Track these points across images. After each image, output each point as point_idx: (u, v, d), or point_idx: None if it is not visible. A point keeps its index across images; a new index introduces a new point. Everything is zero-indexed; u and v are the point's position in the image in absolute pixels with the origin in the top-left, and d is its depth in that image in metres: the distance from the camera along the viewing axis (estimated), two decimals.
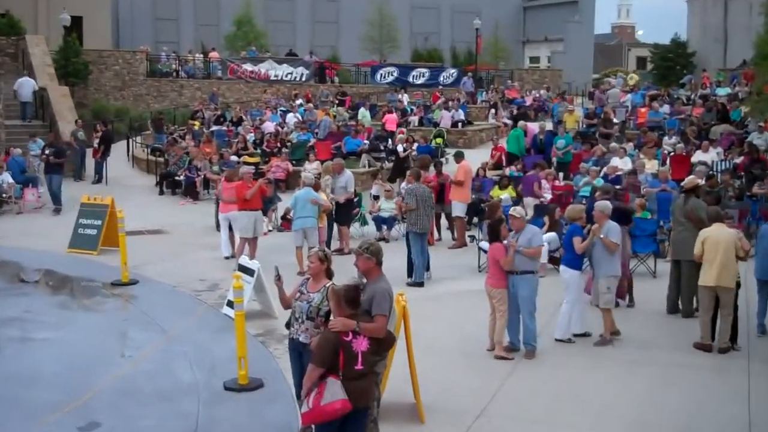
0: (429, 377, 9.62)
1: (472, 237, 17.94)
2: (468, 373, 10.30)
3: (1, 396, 9.55)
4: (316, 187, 16.14)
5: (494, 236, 11.07)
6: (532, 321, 10.88)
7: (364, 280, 7.68)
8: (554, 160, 24.66)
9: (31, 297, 14.11)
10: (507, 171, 23.08)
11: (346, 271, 8.22)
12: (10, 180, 22.70)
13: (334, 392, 6.87)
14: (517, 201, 19.08)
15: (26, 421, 8.66)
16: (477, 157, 24.84)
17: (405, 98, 37.41)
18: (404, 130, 29.96)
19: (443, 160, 23.96)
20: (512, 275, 10.80)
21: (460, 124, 33.54)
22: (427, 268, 15.17)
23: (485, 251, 13.58)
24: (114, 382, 9.76)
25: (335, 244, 17.27)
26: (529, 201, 19.24)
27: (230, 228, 16.80)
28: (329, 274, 8.08)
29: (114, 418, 8.96)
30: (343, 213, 17.55)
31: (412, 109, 35.23)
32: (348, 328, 6.99)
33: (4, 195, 22.50)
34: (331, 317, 7.37)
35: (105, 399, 9.35)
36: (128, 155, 31.67)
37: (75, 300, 14.32)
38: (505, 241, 10.93)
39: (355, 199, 18.64)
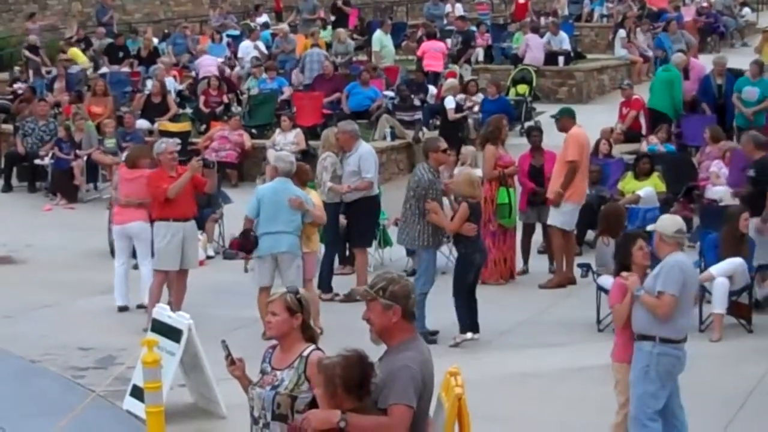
0: None
1: (587, 267, 17.88)
2: None
3: None
4: (300, 178, 16.08)
5: (622, 264, 11.02)
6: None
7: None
8: (735, 124, 24.53)
9: None
10: (649, 144, 23.01)
11: (360, 330, 8.14)
12: None
13: None
14: (670, 199, 18.98)
15: None
16: (593, 120, 24.76)
17: (459, 9, 37.40)
18: (457, 70, 29.86)
19: (535, 123, 23.92)
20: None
21: (561, 59, 33.64)
22: (472, 326, 15.21)
23: (606, 292, 13.52)
24: None
25: (341, 286, 17.37)
26: None
27: (134, 253, 16.86)
28: (309, 336, 8.10)
29: None
30: (359, 222, 17.70)
31: (473, 32, 35.19)
32: (326, 425, 7.07)
33: None
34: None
35: None
36: None
37: None
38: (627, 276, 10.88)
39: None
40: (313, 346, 7.97)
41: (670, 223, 11.04)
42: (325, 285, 17.20)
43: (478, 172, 16.78)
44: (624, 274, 10.85)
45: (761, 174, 17.10)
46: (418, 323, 14.93)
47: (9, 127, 27.80)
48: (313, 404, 7.60)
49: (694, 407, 11.38)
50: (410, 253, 18.87)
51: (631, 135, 24.66)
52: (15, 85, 30.48)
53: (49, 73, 31.78)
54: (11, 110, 28.78)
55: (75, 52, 33.63)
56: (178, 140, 19.35)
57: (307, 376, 7.74)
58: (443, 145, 16.65)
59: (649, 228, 11.20)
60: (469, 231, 15.06)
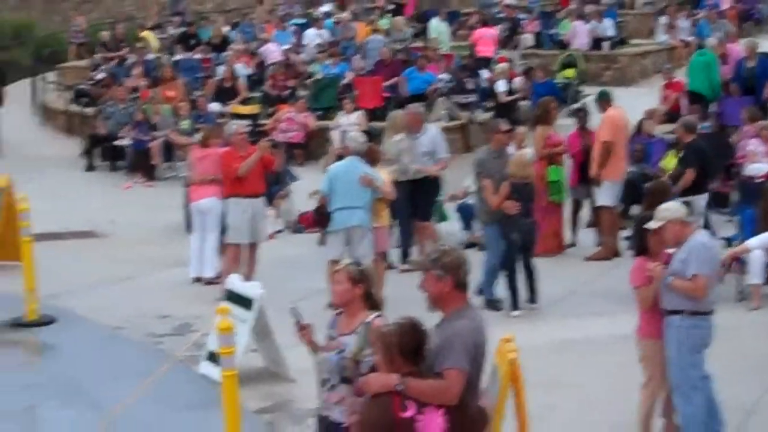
0: None
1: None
2: None
3: None
4: (371, 157, 16.07)
5: (641, 245, 10.94)
6: (687, 404, 10.73)
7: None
8: None
9: None
10: None
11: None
12: None
13: None
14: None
15: None
16: (637, 102, 24.64)
17: None
18: (509, 55, 29.76)
19: (581, 105, 23.83)
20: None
21: (606, 45, 33.47)
22: (531, 297, 15.25)
23: None
24: None
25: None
26: None
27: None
28: (372, 304, 8.18)
29: None
30: (427, 198, 17.72)
31: (522, 20, 35.08)
32: (384, 387, 7.12)
33: None
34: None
35: None
36: (34, 104, 32.04)
37: None
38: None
39: None
40: (375, 314, 8.02)
41: (677, 206, 10.94)
42: (405, 256, 17.32)
43: (530, 152, 16.69)
44: (650, 266, 10.73)
45: None
46: (486, 292, 15.04)
47: (91, 111, 27.95)
48: (376, 368, 7.61)
49: (733, 375, 11.35)
50: (466, 227, 18.90)
51: (672, 116, 24.51)
52: (95, 72, 30.63)
53: (125, 60, 31.87)
54: (92, 95, 28.97)
55: (148, 34, 33.91)
56: (248, 122, 19.37)
57: (369, 341, 7.75)
58: (504, 126, 16.74)
59: (660, 222, 11.00)
60: (509, 208, 15.02)
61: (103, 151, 25.69)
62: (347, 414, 7.91)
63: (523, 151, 16.21)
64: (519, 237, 15.10)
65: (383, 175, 15.83)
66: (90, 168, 25.65)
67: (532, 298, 15.37)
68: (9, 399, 12.65)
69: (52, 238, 18.41)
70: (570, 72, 29.65)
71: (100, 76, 29.98)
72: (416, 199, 17.45)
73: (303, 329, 8.35)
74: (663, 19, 36.21)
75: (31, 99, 32.20)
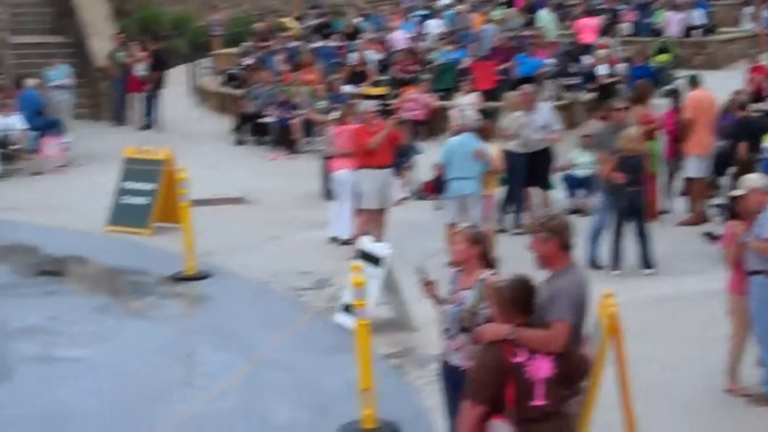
0: (655, 425, 9.52)
1: (719, 207, 17.61)
2: (711, 424, 10.19)
3: None
4: (485, 132, 16.09)
5: (733, 210, 10.84)
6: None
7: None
8: None
9: (56, 297, 14.70)
10: None
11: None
12: (22, 125, 23.49)
13: None
14: None
15: None
16: (724, 85, 24.24)
17: None
18: (608, 42, 29.48)
19: (674, 86, 23.54)
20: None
21: (697, 33, 32.95)
22: (646, 262, 15.10)
23: None
24: (180, 426, 10.05)
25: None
26: None
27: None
28: (487, 262, 8.22)
29: None
30: (543, 167, 17.70)
31: (621, 10, 34.71)
32: (497, 336, 7.11)
33: (12, 147, 23.30)
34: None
35: None
36: (191, 86, 32.42)
37: (118, 302, 14.82)
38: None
39: None
40: (489, 271, 8.08)
41: (758, 176, 10.87)
42: (520, 220, 17.27)
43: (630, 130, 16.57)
44: (733, 223, 10.66)
45: None
46: (590, 253, 14.91)
47: (240, 92, 28.20)
48: (490, 319, 7.62)
49: None
50: (570, 195, 18.79)
51: (758, 97, 24.17)
52: (244, 58, 30.88)
53: (271, 47, 32.06)
54: (241, 78, 29.24)
55: (290, 21, 34.26)
56: (377, 102, 19.41)
57: (485, 295, 7.81)
58: (618, 105, 16.78)
59: (744, 191, 10.83)
60: (616, 178, 14.90)
61: (251, 128, 25.87)
62: (465, 359, 7.97)
63: (633, 128, 16.06)
64: (626, 204, 14.98)
65: (494, 149, 15.88)
66: (239, 142, 25.88)
67: (647, 263, 15.13)
68: (172, 343, 12.92)
69: (207, 203, 18.58)
70: (664, 57, 29.26)
71: (248, 61, 30.20)
72: (534, 170, 17.44)
73: (427, 285, 8.46)
74: (748, 9, 35.84)
75: (188, 82, 32.54)
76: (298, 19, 35.64)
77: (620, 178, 14.82)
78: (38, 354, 12.54)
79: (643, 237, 15.12)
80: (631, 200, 14.97)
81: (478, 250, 8.17)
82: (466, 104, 22.20)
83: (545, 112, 17.89)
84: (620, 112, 16.59)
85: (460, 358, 8.07)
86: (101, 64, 29.03)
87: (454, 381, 8.14)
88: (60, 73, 27.36)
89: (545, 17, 32.87)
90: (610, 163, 15.01)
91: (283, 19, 35.02)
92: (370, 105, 17.19)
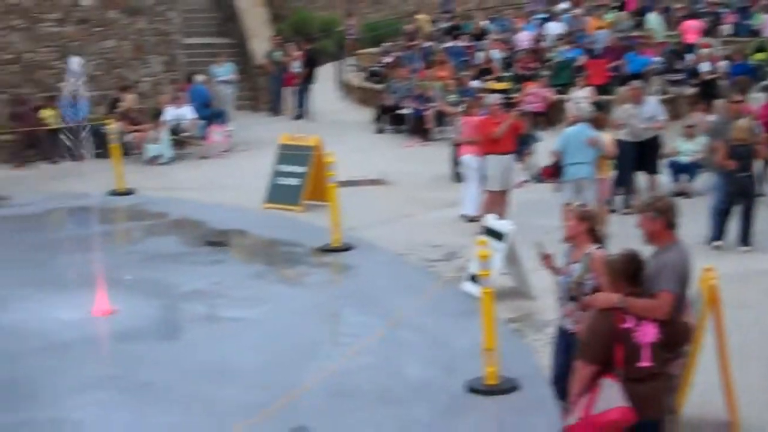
0: (749, 388, 9.34)
1: None
2: None
3: (188, 394, 10.20)
4: (598, 123, 15.92)
5: None
6: None
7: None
8: None
9: (220, 265, 14.93)
10: None
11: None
12: (192, 115, 23.92)
13: (611, 398, 6.91)
14: None
15: (219, 426, 9.21)
16: None
17: None
18: (710, 42, 28.96)
19: None
20: None
21: None
22: (744, 240, 14.78)
23: None
24: (325, 379, 10.14)
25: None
26: None
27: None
28: (595, 238, 8.22)
29: (326, 424, 9.36)
30: (652, 153, 17.49)
31: (722, 13, 34.05)
32: (608, 304, 7.08)
33: (184, 134, 23.75)
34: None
35: (314, 400, 9.75)
36: (337, 82, 32.60)
37: (273, 270, 15.00)
38: None
39: None
40: (596, 246, 8.11)
41: None
42: (629, 201, 17.05)
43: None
44: None
45: None
46: (713, 231, 14.47)
47: (380, 87, 28.30)
48: (595, 289, 7.71)
49: None
50: (675, 179, 18.52)
51: None
52: (384, 57, 30.99)
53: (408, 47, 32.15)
54: (382, 75, 29.34)
55: (422, 18, 34.54)
56: (501, 96, 19.30)
57: (591, 268, 7.90)
58: (737, 97, 16.52)
59: None
60: (728, 165, 14.62)
61: (390, 118, 25.92)
62: (574, 324, 8.05)
63: (745, 119, 15.73)
64: (736, 188, 14.69)
65: (606, 137, 15.70)
66: (379, 131, 25.93)
67: (745, 241, 14.80)
68: (320, 306, 13.04)
69: (351, 184, 18.68)
70: (761, 55, 28.68)
71: (387, 59, 30.34)
72: (642, 156, 17.19)
73: (545, 257, 8.57)
74: None
75: (335, 78, 32.72)
76: (432, 22, 35.74)
77: (731, 164, 14.55)
78: (205, 314, 12.79)
79: (747, 217, 14.81)
80: (741, 185, 14.69)
81: (586, 226, 8.20)
82: (580, 97, 22.04)
83: (652, 104, 17.63)
84: (735, 105, 16.29)
85: (571, 323, 8.15)
86: (260, 62, 29.39)
87: (565, 343, 8.27)
88: (225, 70, 27.78)
89: (653, 20, 32.48)
90: (723, 150, 14.74)
91: (419, 16, 35.20)
92: (495, 98, 17.09)
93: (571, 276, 8.16)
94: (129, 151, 22.39)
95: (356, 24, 37.32)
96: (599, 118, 16.34)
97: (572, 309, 8.16)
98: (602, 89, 24.63)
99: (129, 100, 23.98)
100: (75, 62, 13.65)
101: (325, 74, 31.58)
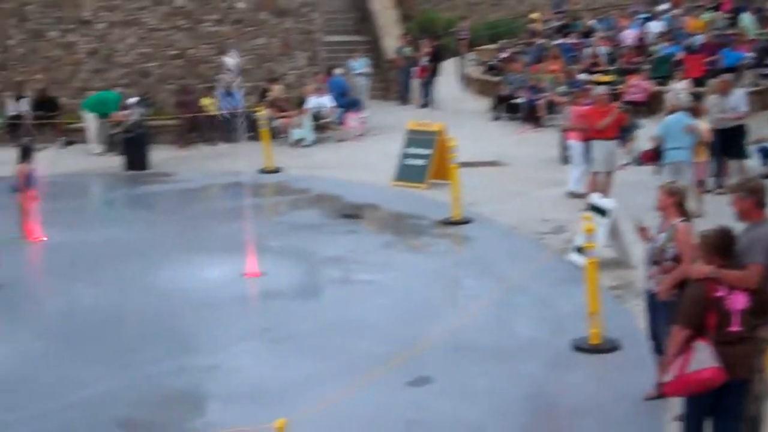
0: None
1: None
2: None
3: (326, 345, 10.33)
4: (695, 111, 15.60)
5: None
6: None
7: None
8: None
9: (353, 235, 15.05)
10: None
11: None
12: (331, 103, 24.11)
13: (703, 359, 6.82)
14: None
15: (353, 373, 9.30)
16: None
17: None
18: None
19: None
20: None
21: None
22: None
23: None
24: (445, 335, 10.16)
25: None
26: None
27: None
28: (682, 212, 8.24)
29: (446, 374, 9.39)
30: (736, 141, 16.98)
31: None
32: (703, 275, 6.97)
33: (324, 120, 23.97)
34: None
35: (435, 353, 9.79)
36: (459, 75, 32.48)
37: (401, 239, 15.06)
38: None
39: None
40: (681, 219, 8.20)
41: None
42: (721, 183, 16.65)
43: None
44: None
45: None
46: None
47: (497, 79, 28.15)
48: (676, 257, 8.01)
49: None
50: (764, 163, 18.04)
51: None
52: (501, 53, 30.84)
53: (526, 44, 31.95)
54: (499, 68, 29.19)
55: (539, 16, 34.52)
56: (607, 87, 19.04)
57: (673, 236, 8.12)
58: None
59: None
60: None
61: (505, 107, 25.71)
62: (656, 286, 8.25)
63: None
64: None
65: (702, 125, 15.39)
66: (496, 118, 25.73)
67: None
68: (441, 272, 13.10)
69: (470, 165, 18.50)
70: None
71: (504, 55, 30.16)
72: (727, 143, 16.74)
73: (642, 230, 8.63)
74: None
75: (457, 71, 32.62)
76: (544, 21, 35.48)
77: None
78: (340, 277, 12.92)
79: None
80: None
81: (674, 200, 8.26)
82: (679, 89, 21.62)
83: (737, 96, 17.05)
84: None
85: (653, 284, 8.33)
86: (390, 57, 29.44)
87: (651, 303, 8.49)
88: (360, 64, 27.95)
89: (746, 19, 31.54)
90: None
91: (533, 15, 35.06)
92: (602, 89, 16.88)
93: (657, 243, 8.25)
94: (276, 134, 22.65)
95: (468, 26, 37.27)
96: (696, 107, 16.08)
97: (655, 272, 8.27)
98: (698, 81, 24.10)
99: (277, 90, 24.27)
100: (231, 57, 13.86)
101: (448, 68, 31.48)
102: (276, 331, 10.87)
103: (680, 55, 26.93)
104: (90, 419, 8.69)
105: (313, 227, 15.57)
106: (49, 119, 23.54)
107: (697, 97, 19.98)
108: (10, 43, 24.80)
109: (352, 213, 16.35)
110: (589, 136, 15.95)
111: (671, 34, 29.62)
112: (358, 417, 8.43)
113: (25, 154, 15.12)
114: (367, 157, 21.18)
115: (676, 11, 33.71)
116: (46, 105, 23.71)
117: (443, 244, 14.50)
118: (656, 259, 8.23)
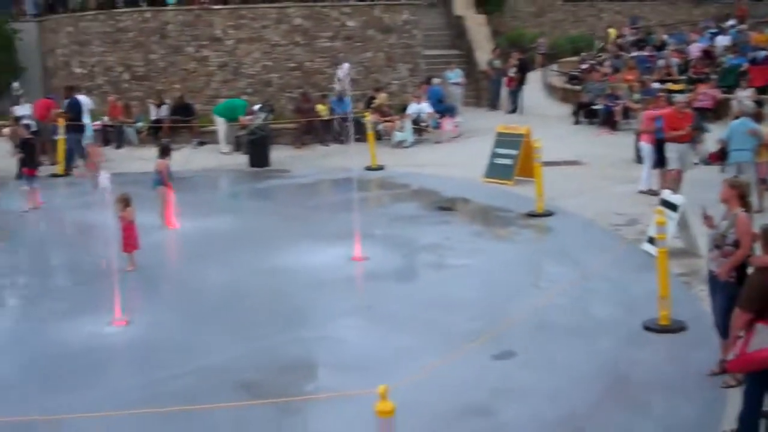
0: None
1: None
2: None
3: (422, 321, 10.33)
4: (758, 117, 15.20)
5: None
6: None
7: None
8: None
9: (448, 225, 15.01)
10: None
11: None
12: (429, 109, 24.11)
13: (764, 340, 6.65)
14: None
15: (447, 346, 9.28)
16: None
17: None
18: None
19: None
20: None
21: None
22: None
23: None
24: (528, 314, 10.07)
25: None
26: None
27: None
28: (743, 203, 8.17)
29: (529, 349, 9.31)
30: None
31: None
32: (765, 264, 6.91)
33: (422, 124, 23.98)
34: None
35: (519, 330, 9.71)
36: (543, 83, 32.17)
37: (490, 229, 14.95)
38: None
39: None
40: (742, 209, 8.15)
41: None
42: None
43: None
44: None
45: None
46: None
47: (578, 87, 27.82)
48: (735, 242, 7.96)
49: None
50: None
51: None
52: (582, 64, 30.46)
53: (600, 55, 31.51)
54: (579, 78, 28.85)
55: (612, 31, 34.65)
56: (678, 95, 18.68)
57: (734, 223, 8.08)
58: None
59: None
60: None
61: (585, 113, 25.40)
62: (716, 267, 8.23)
63: None
64: None
65: (764, 129, 15.03)
66: (576, 123, 25.40)
67: None
68: (525, 258, 12.99)
69: (553, 164, 18.36)
70: None
71: (584, 66, 29.80)
72: None
73: (707, 218, 8.58)
74: None
75: (542, 81, 32.38)
76: (620, 37, 34.96)
77: None
78: (436, 262, 12.89)
79: None
80: None
81: (736, 192, 8.22)
82: (743, 96, 21.11)
83: None
84: None
85: (714, 266, 8.29)
86: (482, 68, 29.29)
87: (712, 284, 8.45)
88: (455, 75, 27.86)
89: None
90: None
91: (609, 30, 34.59)
92: (682, 98, 16.64)
93: (719, 230, 8.21)
94: (381, 137, 22.80)
95: (546, 41, 36.88)
96: (759, 113, 15.69)
97: (716, 255, 8.23)
98: (761, 90, 23.50)
99: (381, 98, 24.37)
100: (342, 69, 13.94)
101: (534, 78, 31.23)
102: (378, 308, 10.91)
103: (745, 66, 26.28)
104: (218, 381, 8.85)
105: (412, 218, 15.58)
106: (185, 123, 24.06)
107: (760, 104, 19.55)
108: (153, 57, 25.42)
109: (446, 206, 16.33)
110: (666, 138, 15.70)
111: (737, 47, 28.93)
112: (450, 385, 8.41)
113: (164, 152, 15.44)
114: (460, 156, 21.09)
115: (742, 26, 32.98)
116: (182, 110, 24.21)
117: (527, 234, 14.37)
118: (717, 244, 8.19)
